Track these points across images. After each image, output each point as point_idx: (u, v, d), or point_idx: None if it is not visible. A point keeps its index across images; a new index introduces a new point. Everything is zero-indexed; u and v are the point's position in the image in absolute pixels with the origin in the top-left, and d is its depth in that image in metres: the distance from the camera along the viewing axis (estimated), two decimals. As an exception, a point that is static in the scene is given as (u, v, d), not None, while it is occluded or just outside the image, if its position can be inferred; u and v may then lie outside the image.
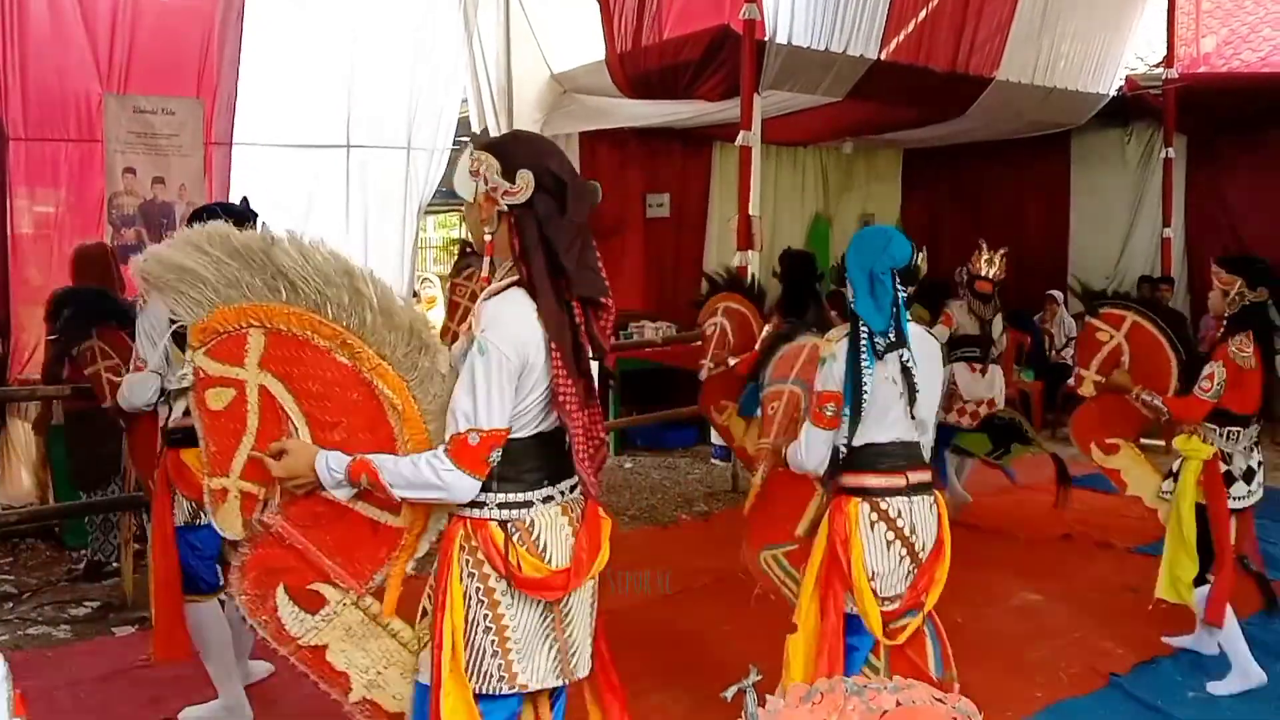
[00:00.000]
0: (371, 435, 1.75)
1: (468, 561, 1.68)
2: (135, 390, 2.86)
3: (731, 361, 4.50)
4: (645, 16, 6.75)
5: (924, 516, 2.35)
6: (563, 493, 1.73)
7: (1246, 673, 3.24)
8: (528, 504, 1.69)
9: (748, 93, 6.02)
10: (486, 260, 1.69)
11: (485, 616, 1.67)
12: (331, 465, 1.70)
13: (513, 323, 1.63)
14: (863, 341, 2.29)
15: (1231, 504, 3.30)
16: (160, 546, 2.87)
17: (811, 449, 2.35)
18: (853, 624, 2.34)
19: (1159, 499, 3.61)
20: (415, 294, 7.41)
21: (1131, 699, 3.21)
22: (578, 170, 6.52)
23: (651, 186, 8.82)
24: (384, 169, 6.54)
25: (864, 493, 2.32)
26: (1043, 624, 3.81)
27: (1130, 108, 8.71)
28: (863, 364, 2.27)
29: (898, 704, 1.32)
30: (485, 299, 1.66)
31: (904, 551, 2.31)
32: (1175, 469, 3.47)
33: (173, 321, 2.74)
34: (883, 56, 6.84)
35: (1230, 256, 3.47)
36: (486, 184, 1.62)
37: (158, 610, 2.89)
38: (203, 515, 2.80)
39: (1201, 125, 8.62)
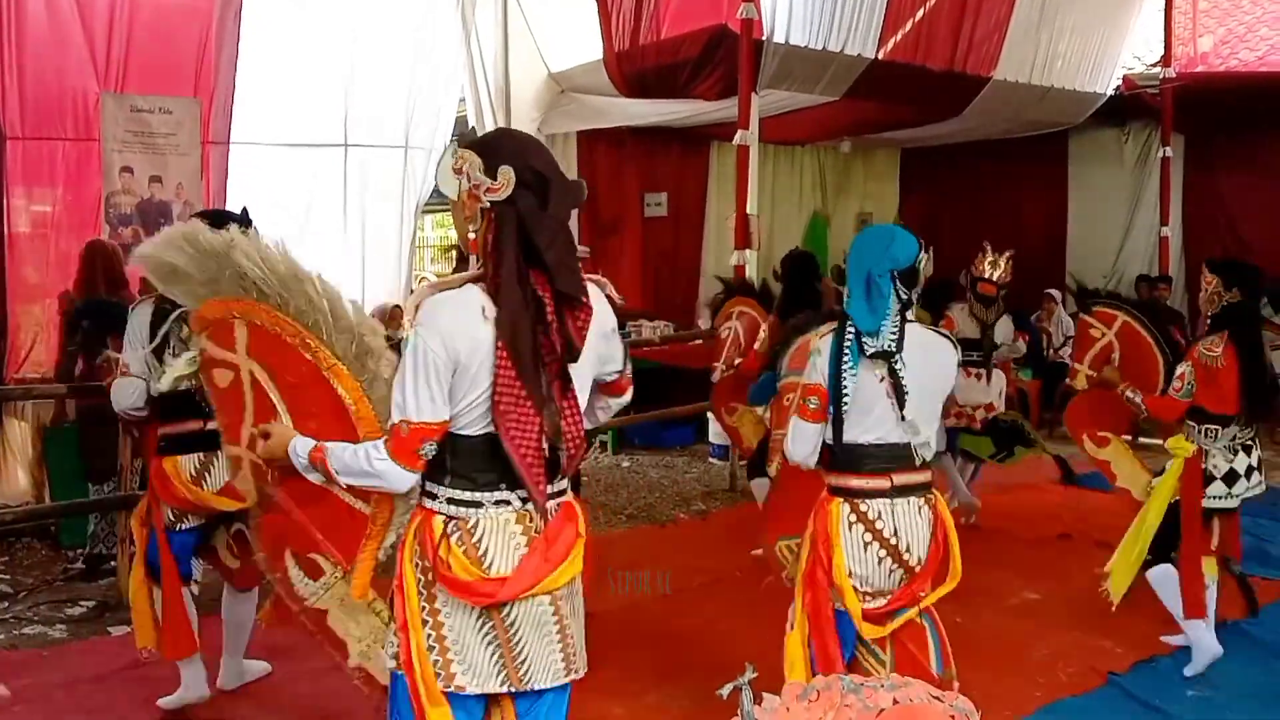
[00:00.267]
0: (339, 429, 1.84)
1: (416, 550, 1.70)
2: (119, 394, 2.91)
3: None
4: (643, 15, 6.75)
5: (911, 519, 2.31)
6: (523, 500, 1.67)
7: (1200, 646, 3.30)
8: (476, 504, 1.66)
9: (745, 92, 6.02)
10: (472, 258, 1.70)
11: (424, 609, 1.68)
12: (298, 450, 1.78)
13: (445, 318, 1.62)
14: (847, 341, 2.28)
15: (1207, 503, 3.32)
16: (161, 550, 2.91)
17: (796, 441, 2.36)
18: (843, 620, 2.35)
19: (1148, 494, 3.63)
20: (412, 292, 7.40)
21: (1130, 698, 3.20)
22: (575, 169, 6.57)
23: (649, 186, 8.82)
24: (382, 168, 6.54)
25: (846, 493, 2.32)
26: (1042, 623, 3.81)
27: (1128, 107, 8.71)
28: (844, 363, 2.27)
29: (895, 702, 1.32)
30: (426, 293, 1.67)
31: (883, 553, 2.29)
32: (1167, 467, 3.48)
33: (154, 326, 2.78)
34: (880, 56, 6.84)
35: (1218, 258, 3.51)
36: (469, 181, 1.62)
37: (164, 613, 2.93)
38: (184, 521, 2.83)
39: (1199, 124, 8.63)
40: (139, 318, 2.86)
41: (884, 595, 2.31)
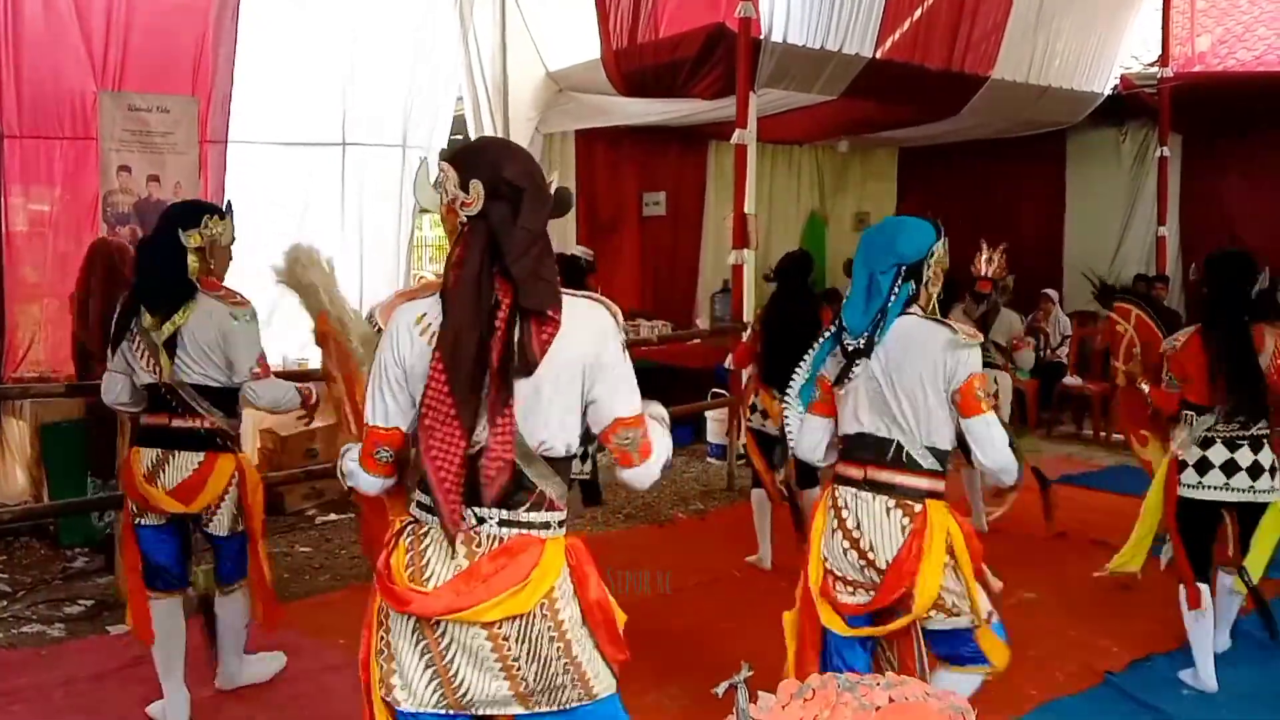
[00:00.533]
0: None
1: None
2: (104, 389, 2.96)
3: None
4: (641, 14, 6.75)
5: (877, 518, 2.23)
6: (481, 520, 1.60)
7: (1202, 678, 3.24)
8: (432, 511, 1.61)
9: (743, 91, 6.03)
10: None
11: (380, 610, 1.68)
12: (345, 452, 1.85)
13: (397, 325, 1.63)
14: (826, 333, 2.34)
15: (1182, 491, 3.25)
16: (125, 534, 2.96)
17: (801, 433, 2.42)
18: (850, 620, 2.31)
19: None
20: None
21: (1126, 697, 3.21)
22: (574, 169, 6.53)
23: (647, 185, 8.82)
24: (380, 167, 6.53)
25: (835, 478, 2.35)
26: (1037, 622, 3.81)
27: (1125, 107, 8.73)
28: (813, 354, 2.35)
29: (890, 700, 1.33)
30: (398, 300, 1.69)
31: (846, 544, 2.26)
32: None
33: (118, 323, 2.80)
34: (878, 55, 6.85)
35: (1214, 252, 3.42)
36: (447, 195, 1.61)
37: (129, 594, 2.97)
38: (145, 516, 2.84)
39: (1196, 124, 8.65)
40: (119, 314, 2.88)
41: (861, 589, 2.26)
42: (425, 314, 1.61)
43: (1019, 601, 4.09)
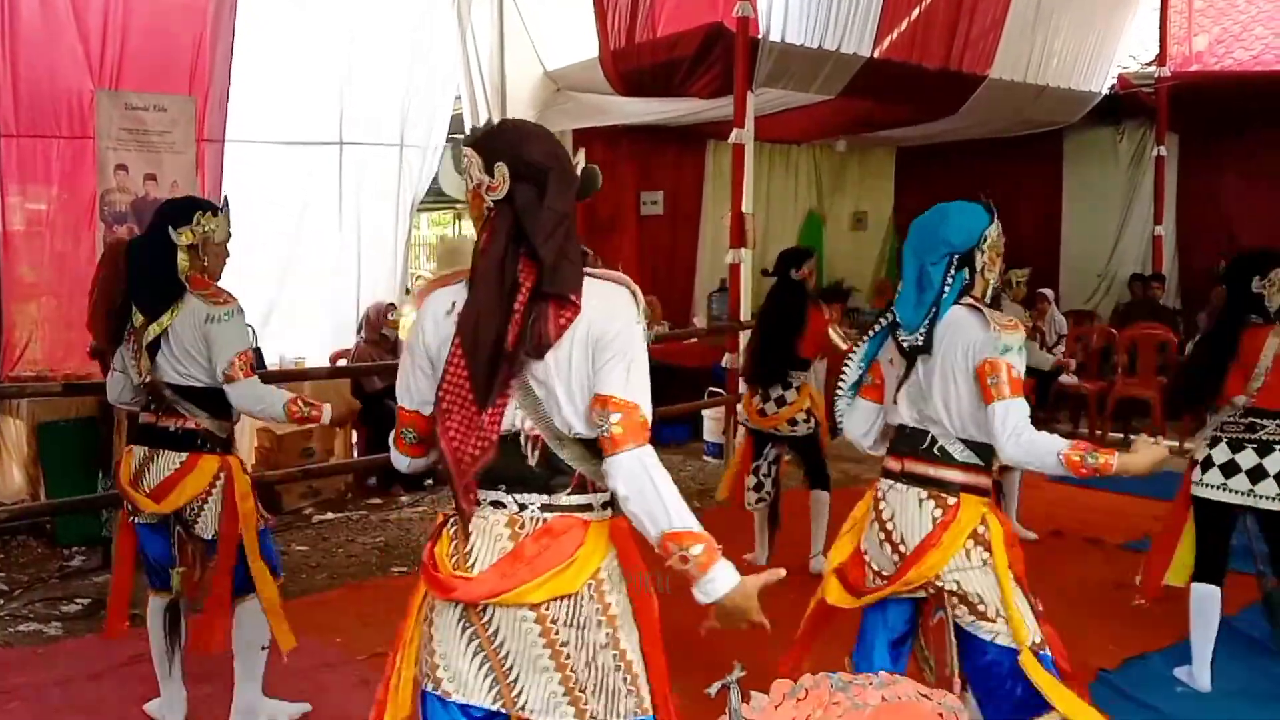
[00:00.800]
0: None
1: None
2: (109, 388, 2.92)
3: None
4: (639, 13, 6.75)
5: (908, 509, 2.19)
6: (522, 506, 1.58)
7: (1197, 675, 3.24)
8: (474, 503, 1.61)
9: (741, 90, 6.03)
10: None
11: (430, 608, 1.66)
12: None
13: (426, 311, 1.65)
14: (877, 325, 2.27)
15: (1202, 491, 3.20)
16: (121, 529, 2.94)
17: (849, 418, 2.35)
18: (883, 609, 2.28)
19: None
20: (408, 291, 7.41)
21: (1120, 694, 3.22)
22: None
23: (645, 184, 8.83)
24: (377, 166, 6.54)
25: (883, 469, 2.30)
26: (1033, 620, 3.82)
27: (1123, 106, 8.74)
28: (862, 340, 2.28)
29: (883, 700, 1.33)
30: (426, 287, 1.70)
31: (881, 535, 2.23)
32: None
33: (122, 321, 2.75)
34: (876, 54, 6.86)
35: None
36: (472, 181, 1.60)
37: (111, 589, 2.97)
38: (138, 514, 2.81)
39: (1193, 123, 8.66)
40: (114, 314, 2.85)
41: (882, 579, 2.26)
42: (455, 301, 1.60)
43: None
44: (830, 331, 4.22)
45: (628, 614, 1.63)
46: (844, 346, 4.17)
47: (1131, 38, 8.72)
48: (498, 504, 1.60)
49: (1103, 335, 7.95)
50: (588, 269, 1.59)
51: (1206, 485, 3.19)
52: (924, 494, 2.19)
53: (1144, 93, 8.51)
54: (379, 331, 6.05)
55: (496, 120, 6.90)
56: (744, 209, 6.20)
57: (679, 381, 6.79)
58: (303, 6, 6.01)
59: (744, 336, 6.30)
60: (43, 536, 4.83)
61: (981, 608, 2.17)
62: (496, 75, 6.98)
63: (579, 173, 1.64)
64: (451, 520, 1.64)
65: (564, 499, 1.59)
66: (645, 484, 1.56)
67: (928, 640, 2.31)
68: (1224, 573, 3.24)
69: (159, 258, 2.70)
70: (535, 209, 1.54)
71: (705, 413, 6.83)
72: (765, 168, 9.21)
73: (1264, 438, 3.10)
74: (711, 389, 6.85)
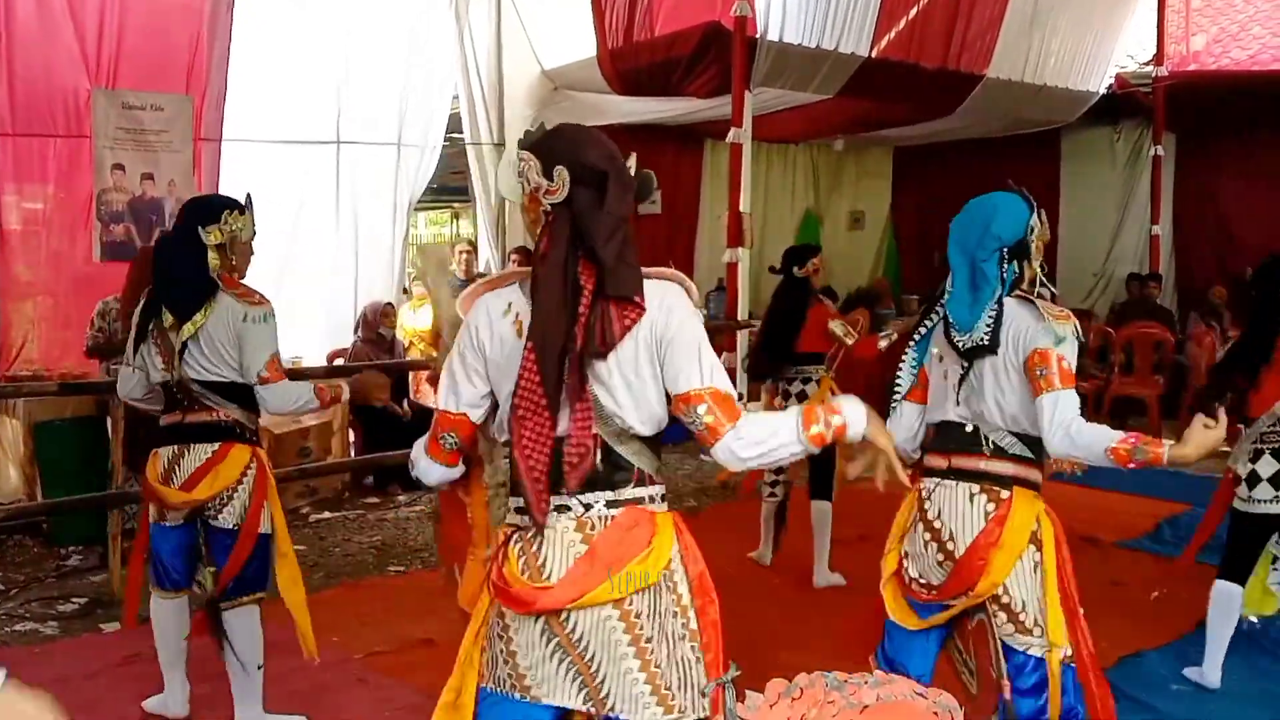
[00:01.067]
0: None
1: (491, 569, 1.68)
2: (120, 383, 2.92)
3: None
4: (636, 13, 6.76)
5: (958, 505, 2.12)
6: (588, 506, 1.59)
7: (1209, 673, 3.23)
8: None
9: (738, 90, 6.04)
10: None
11: (498, 623, 1.65)
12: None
13: (480, 313, 1.63)
14: (926, 323, 2.19)
15: (1236, 504, 3.14)
16: (139, 532, 2.95)
17: (893, 423, 2.24)
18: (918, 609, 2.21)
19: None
20: (406, 290, 7.41)
21: (1116, 693, 3.21)
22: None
23: (643, 183, 8.82)
24: (374, 165, 6.54)
25: (922, 470, 2.22)
26: (1029, 619, 3.83)
27: (1120, 105, 8.75)
28: (912, 342, 2.19)
29: (878, 699, 1.34)
30: (474, 289, 1.67)
31: (928, 535, 2.14)
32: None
33: (141, 319, 2.75)
34: (873, 54, 6.87)
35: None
36: (530, 185, 1.59)
37: (127, 580, 3.02)
38: (166, 517, 2.81)
39: (1191, 123, 8.67)
40: (140, 313, 2.84)
41: (928, 588, 2.16)
42: (512, 303, 1.60)
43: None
44: (831, 325, 4.19)
45: (691, 602, 1.61)
46: (848, 341, 4.15)
47: (1129, 37, 8.72)
48: (562, 508, 1.59)
49: (1099, 334, 7.96)
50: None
51: (1258, 501, 3.09)
52: (975, 488, 2.12)
53: (1141, 92, 8.52)
54: (376, 331, 6.04)
55: (492, 120, 6.96)
56: (741, 208, 6.20)
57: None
58: (300, 6, 6.01)
59: (741, 336, 6.32)
60: (39, 536, 4.82)
61: (1023, 617, 2.11)
62: (494, 74, 6.98)
63: (635, 176, 1.65)
64: (514, 537, 1.62)
65: (625, 494, 1.60)
66: (763, 445, 1.60)
67: (966, 644, 2.23)
68: (1249, 574, 3.20)
69: (189, 257, 2.70)
70: (595, 212, 1.55)
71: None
72: (763, 167, 9.21)
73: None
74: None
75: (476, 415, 1.65)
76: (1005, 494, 2.12)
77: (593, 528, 1.58)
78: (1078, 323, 2.09)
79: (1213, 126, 8.63)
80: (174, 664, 2.91)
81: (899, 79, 7.18)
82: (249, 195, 2.93)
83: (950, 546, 2.11)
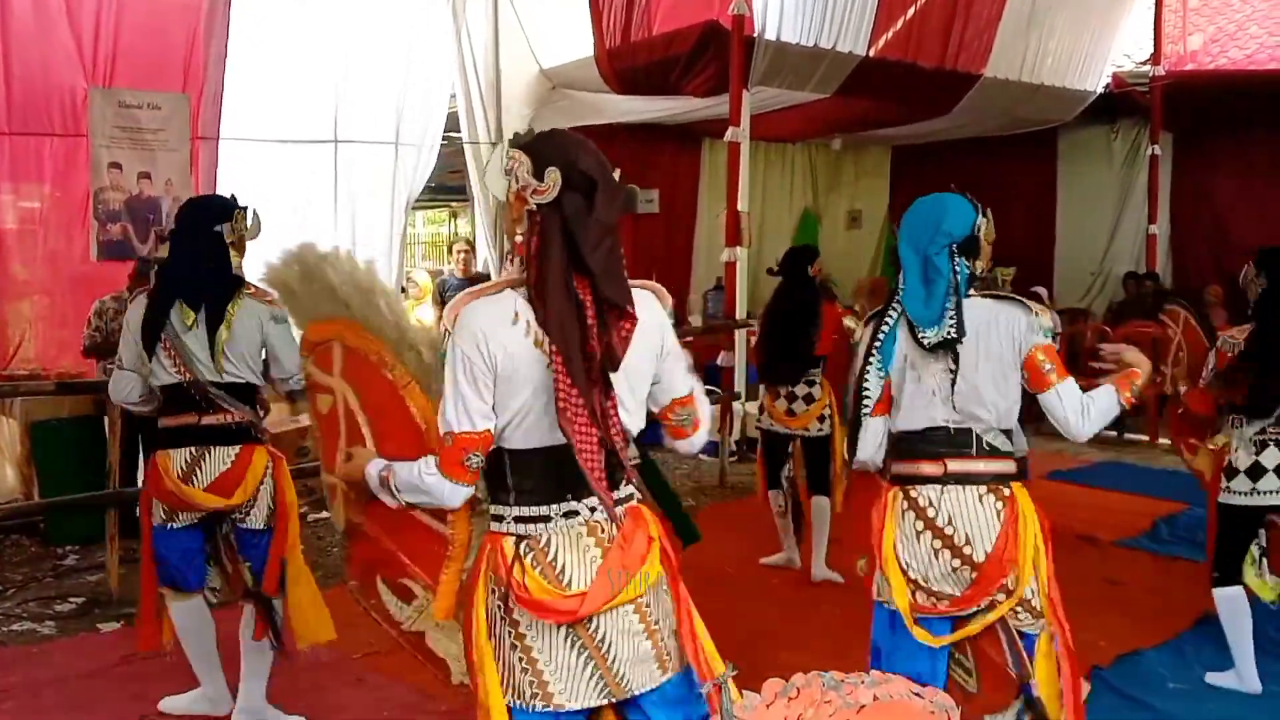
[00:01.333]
0: (417, 452, 1.75)
1: (491, 577, 1.66)
2: (114, 387, 2.90)
3: None
4: (634, 12, 6.76)
5: (968, 508, 2.12)
6: (592, 509, 1.63)
7: (1244, 678, 3.21)
8: (544, 519, 1.62)
9: (736, 89, 6.04)
10: (517, 260, 1.65)
11: (509, 634, 1.64)
12: (371, 471, 1.75)
13: (479, 323, 1.59)
14: (883, 329, 2.15)
15: (1229, 498, 3.17)
16: (143, 543, 2.91)
17: (863, 439, 2.20)
18: (899, 620, 2.18)
19: None
20: (403, 289, 7.40)
21: (1113, 691, 3.23)
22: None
23: (641, 183, 8.81)
24: (372, 164, 6.53)
25: (899, 480, 2.18)
26: (1026, 618, 3.83)
27: (1117, 105, 8.76)
28: (872, 356, 2.14)
29: (875, 698, 1.34)
30: (461, 300, 1.63)
31: (938, 544, 2.12)
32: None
33: (148, 322, 2.73)
34: (871, 53, 6.86)
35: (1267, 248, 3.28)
36: (518, 182, 1.60)
37: (142, 603, 2.94)
38: (176, 518, 2.81)
39: (1187, 122, 8.68)
40: (134, 313, 2.81)
41: (945, 598, 2.13)
42: (519, 312, 1.58)
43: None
44: (846, 322, 4.19)
45: (669, 575, 1.72)
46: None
47: (1126, 37, 8.73)
48: (570, 513, 1.62)
49: (1096, 333, 7.96)
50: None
51: (1261, 493, 3.12)
52: (981, 490, 2.14)
53: (1138, 92, 8.53)
54: (374, 330, 6.04)
55: (490, 119, 6.95)
56: (739, 207, 6.20)
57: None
58: (298, 4, 6.00)
59: (740, 335, 6.31)
60: (36, 536, 4.81)
61: (1035, 601, 2.15)
62: (491, 73, 6.98)
63: (621, 188, 1.67)
64: (521, 548, 1.62)
65: (621, 492, 1.66)
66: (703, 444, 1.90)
67: (961, 644, 2.23)
68: (1239, 572, 3.20)
69: (214, 256, 2.71)
70: (584, 219, 1.57)
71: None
72: (761, 166, 9.21)
73: None
74: (707, 387, 6.85)
75: (492, 424, 1.61)
76: (1008, 491, 2.15)
77: (602, 530, 1.63)
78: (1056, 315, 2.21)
79: (1209, 126, 8.63)
80: (209, 662, 2.91)
81: (896, 78, 7.18)
82: (233, 196, 2.94)
83: (968, 551, 2.12)
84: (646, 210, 8.86)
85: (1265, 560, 3.23)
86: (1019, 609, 2.15)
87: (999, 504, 2.13)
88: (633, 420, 1.66)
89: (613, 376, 1.58)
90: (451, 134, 7.10)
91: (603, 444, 1.57)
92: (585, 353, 1.55)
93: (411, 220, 8.15)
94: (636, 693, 1.65)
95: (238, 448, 2.74)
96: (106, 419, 4.22)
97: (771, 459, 4.28)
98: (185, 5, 5.62)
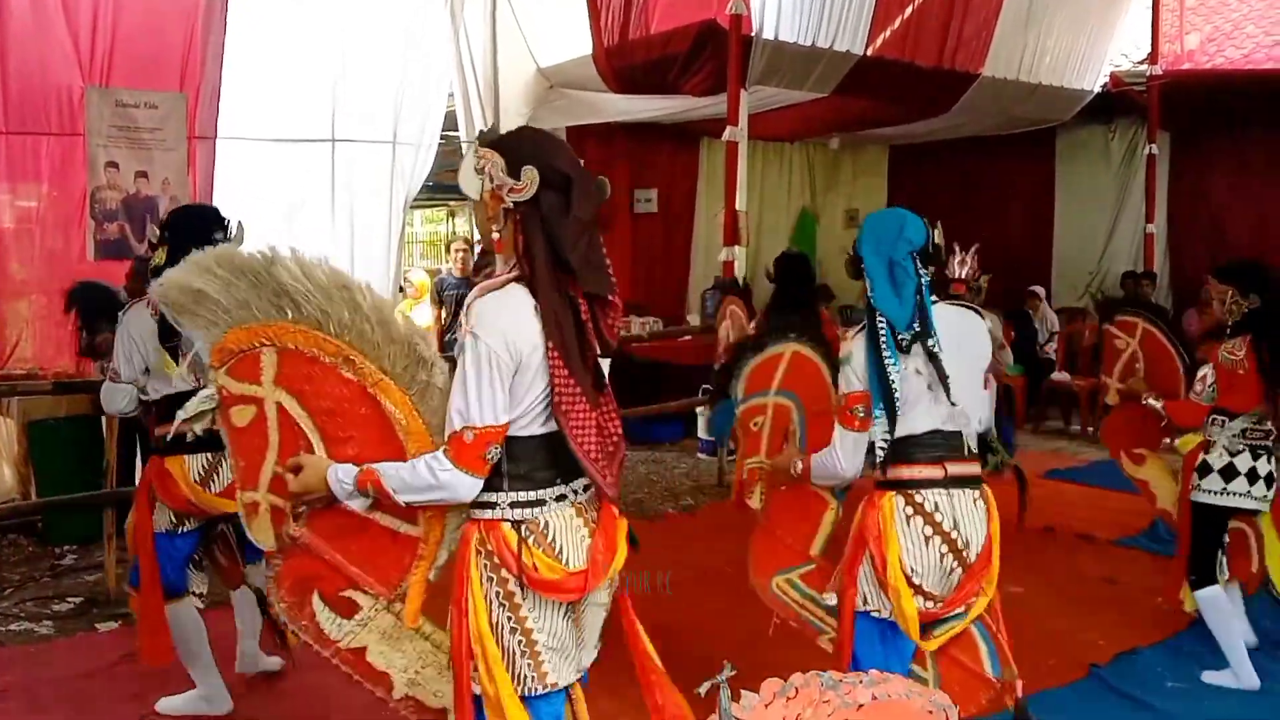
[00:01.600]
0: (383, 449, 1.76)
1: (485, 565, 1.67)
2: (108, 398, 2.90)
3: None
4: (632, 10, 6.75)
5: (967, 510, 2.19)
6: (576, 492, 1.71)
7: (1241, 677, 3.24)
8: (540, 503, 1.67)
9: (734, 88, 6.04)
10: (498, 258, 1.69)
11: (509, 619, 1.65)
12: (341, 477, 1.72)
13: (504, 318, 1.60)
14: (882, 335, 2.15)
15: (1201, 496, 3.27)
16: (141, 552, 2.88)
17: (849, 455, 2.20)
18: (888, 630, 2.21)
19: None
20: (401, 289, 7.40)
21: (1111, 689, 3.24)
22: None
23: (639, 182, 8.82)
24: (370, 164, 6.52)
25: (898, 486, 2.19)
26: (1024, 615, 3.82)
27: (1114, 104, 8.76)
28: (885, 358, 2.13)
29: (873, 698, 1.33)
30: (477, 295, 1.64)
31: (945, 548, 2.17)
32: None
33: (169, 333, 2.72)
34: (869, 52, 6.86)
35: (1223, 266, 3.37)
36: (492, 181, 1.62)
37: (142, 615, 2.91)
38: (185, 524, 2.81)
39: (1185, 122, 8.69)
40: (136, 325, 2.80)
41: (936, 600, 2.18)
42: (535, 305, 1.61)
43: (1005, 595, 4.08)
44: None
45: None
46: None
47: (1123, 36, 8.73)
48: (561, 497, 1.70)
49: (1094, 333, 7.98)
50: None
51: (1232, 494, 3.24)
52: (975, 493, 2.22)
53: (1136, 91, 8.53)
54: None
55: (488, 117, 6.93)
56: (738, 207, 6.20)
57: (673, 379, 6.78)
58: (295, 2, 5.99)
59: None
60: (33, 535, 4.81)
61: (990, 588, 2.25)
62: (489, 72, 6.97)
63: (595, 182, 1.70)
64: (523, 532, 1.66)
65: (612, 475, 1.74)
66: None
67: (931, 656, 2.25)
68: (1216, 569, 3.28)
69: None
70: (562, 217, 1.61)
71: (699, 410, 6.84)
72: (759, 165, 9.21)
73: (1272, 443, 3.23)
74: (705, 386, 6.85)
75: (509, 419, 1.64)
76: (986, 489, 2.25)
77: (587, 511, 1.73)
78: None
79: (1207, 125, 8.64)
80: (204, 663, 2.93)
81: (894, 77, 7.18)
82: (215, 209, 3.00)
83: (965, 554, 2.18)
84: (645, 210, 8.86)
85: (1225, 561, 3.32)
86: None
87: (983, 504, 2.22)
88: None
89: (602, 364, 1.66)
90: (449, 133, 7.09)
91: (600, 430, 1.64)
92: (581, 342, 1.61)
93: (409, 219, 8.13)
94: (586, 664, 1.77)
95: None
96: (104, 419, 4.22)
97: None
98: (182, 4, 5.61)
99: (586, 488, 1.72)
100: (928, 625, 2.21)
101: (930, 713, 1.38)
